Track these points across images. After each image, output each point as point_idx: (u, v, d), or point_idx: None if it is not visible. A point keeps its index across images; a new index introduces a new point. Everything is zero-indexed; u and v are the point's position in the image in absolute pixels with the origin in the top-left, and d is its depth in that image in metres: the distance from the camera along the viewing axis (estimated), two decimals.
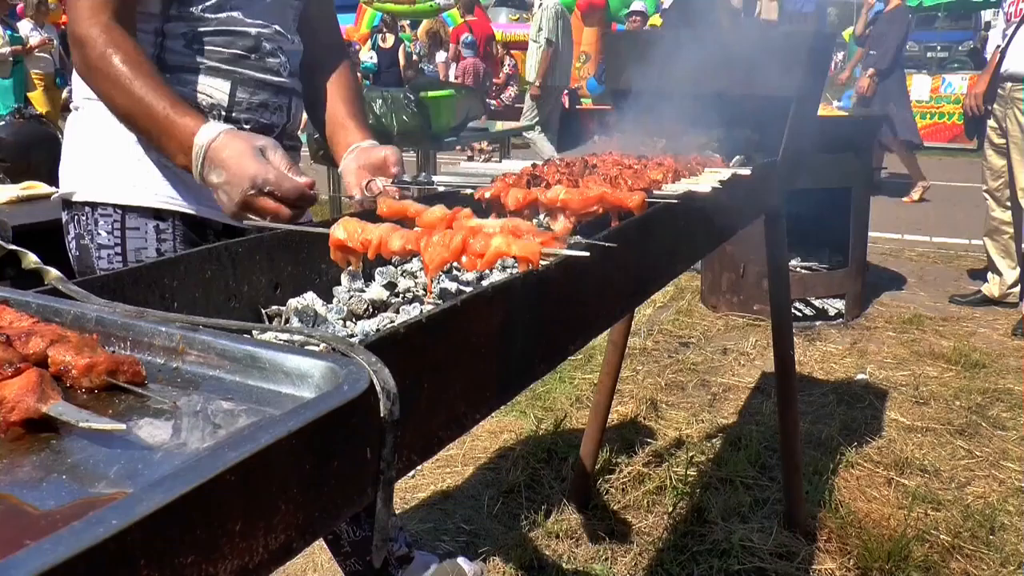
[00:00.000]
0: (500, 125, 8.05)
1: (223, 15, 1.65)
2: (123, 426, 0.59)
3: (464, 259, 1.11)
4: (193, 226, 1.69)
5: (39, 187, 3.30)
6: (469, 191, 1.50)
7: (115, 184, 1.64)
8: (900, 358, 4.48)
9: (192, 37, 1.63)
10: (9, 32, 10.71)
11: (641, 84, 2.51)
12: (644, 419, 3.70)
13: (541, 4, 9.81)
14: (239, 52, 1.67)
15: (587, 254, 1.09)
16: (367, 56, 14.21)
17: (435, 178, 1.65)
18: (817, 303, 5.19)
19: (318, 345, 0.70)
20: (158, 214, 1.65)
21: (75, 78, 1.63)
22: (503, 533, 2.79)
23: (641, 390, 3.99)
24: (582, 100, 13.88)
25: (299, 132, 1.90)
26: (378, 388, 0.67)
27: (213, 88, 1.65)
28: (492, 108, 12.66)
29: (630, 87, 2.58)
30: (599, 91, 12.16)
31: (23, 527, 0.50)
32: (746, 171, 1.98)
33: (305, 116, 1.91)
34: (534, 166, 1.69)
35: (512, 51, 15.20)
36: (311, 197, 1.39)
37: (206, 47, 1.64)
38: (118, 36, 1.46)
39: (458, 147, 7.67)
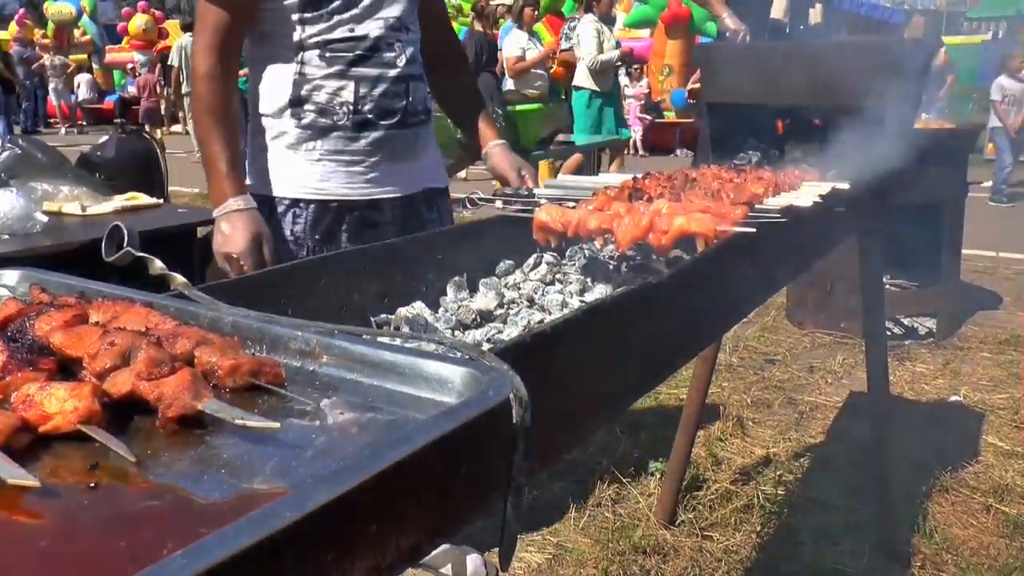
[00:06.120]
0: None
1: (346, 15, 1.89)
2: (277, 424, 0.61)
3: (651, 236, 1.31)
4: (325, 211, 1.96)
5: (140, 198, 3.44)
6: (571, 204, 1.51)
7: (264, 177, 1.99)
8: (997, 380, 4.32)
9: (324, 46, 1.89)
10: None
11: (734, 96, 2.49)
12: (730, 436, 3.65)
13: None
14: (360, 54, 1.91)
15: (754, 230, 1.28)
16: None
17: (536, 191, 1.67)
18: (906, 321, 5.04)
19: (455, 352, 0.72)
20: (294, 202, 1.96)
21: None
22: (590, 546, 2.78)
23: (727, 407, 3.94)
24: (665, 114, 13.82)
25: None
26: (512, 395, 0.68)
27: (342, 89, 1.91)
28: None
29: (722, 99, 2.56)
30: (683, 104, 12.07)
31: (194, 516, 0.52)
32: (844, 184, 1.95)
33: None
34: (635, 179, 1.69)
35: None
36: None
37: (335, 54, 1.90)
38: (216, 86, 1.87)
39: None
